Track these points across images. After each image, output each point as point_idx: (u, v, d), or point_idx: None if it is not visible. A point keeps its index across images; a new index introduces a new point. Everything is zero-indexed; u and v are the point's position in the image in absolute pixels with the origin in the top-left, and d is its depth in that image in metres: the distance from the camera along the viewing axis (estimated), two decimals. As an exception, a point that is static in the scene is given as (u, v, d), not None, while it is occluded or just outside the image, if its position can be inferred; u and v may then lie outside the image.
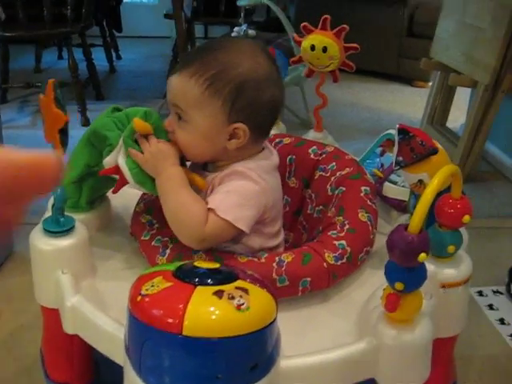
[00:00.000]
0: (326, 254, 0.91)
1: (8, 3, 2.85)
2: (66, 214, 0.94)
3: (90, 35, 3.52)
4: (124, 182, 0.96)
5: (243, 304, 0.67)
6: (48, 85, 0.86)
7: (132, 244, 1.03)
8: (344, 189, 1.05)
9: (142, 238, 0.98)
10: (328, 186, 1.09)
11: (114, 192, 1.01)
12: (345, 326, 0.87)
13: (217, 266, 0.75)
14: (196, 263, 0.75)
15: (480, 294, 1.82)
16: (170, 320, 0.66)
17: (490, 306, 1.77)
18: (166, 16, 3.55)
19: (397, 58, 4.07)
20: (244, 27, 2.98)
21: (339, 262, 0.91)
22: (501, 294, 1.83)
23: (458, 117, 3.04)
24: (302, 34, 1.27)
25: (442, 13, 2.79)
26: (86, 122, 3.00)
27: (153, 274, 0.74)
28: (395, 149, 0.93)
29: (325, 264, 0.90)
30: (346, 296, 0.94)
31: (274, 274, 0.87)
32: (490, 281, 1.88)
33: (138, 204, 1.06)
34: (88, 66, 3.38)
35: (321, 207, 1.10)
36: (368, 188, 1.05)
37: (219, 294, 0.68)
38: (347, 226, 0.96)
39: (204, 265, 0.74)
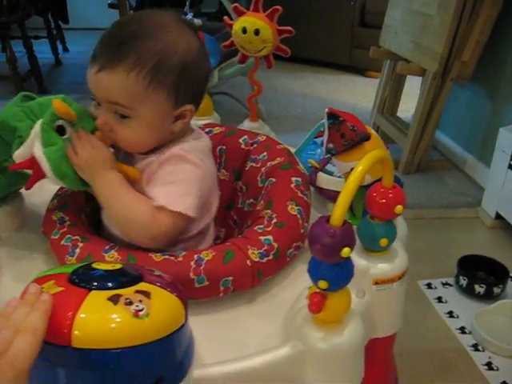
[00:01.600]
0: (250, 251, 0.83)
1: None
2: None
3: (34, 27, 3.40)
4: (38, 177, 0.87)
5: (142, 310, 0.59)
6: None
7: (46, 244, 0.94)
8: (274, 180, 0.98)
9: (52, 236, 0.89)
10: (258, 178, 1.02)
11: (28, 188, 0.91)
12: (271, 328, 0.79)
13: (118, 266, 0.67)
14: (94, 264, 0.66)
15: (429, 286, 1.78)
16: (58, 330, 0.58)
17: (439, 299, 1.73)
18: (111, 5, 3.44)
19: (349, 49, 4.04)
20: (189, 16, 2.89)
21: (265, 259, 0.84)
22: (450, 285, 1.79)
23: (410, 106, 3.00)
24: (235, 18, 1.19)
25: (390, 0, 2.75)
26: (26, 116, 2.87)
27: (46, 278, 0.65)
28: (325, 135, 0.87)
29: (248, 262, 0.82)
30: (274, 296, 0.86)
31: (191, 274, 0.79)
32: (439, 273, 1.85)
33: (51, 200, 0.97)
34: (29, 58, 3.25)
35: (251, 200, 1.03)
36: (299, 179, 0.98)
37: (114, 298, 0.59)
38: (275, 220, 0.89)
39: (103, 266, 0.66)
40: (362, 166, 0.67)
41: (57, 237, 0.88)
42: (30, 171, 0.87)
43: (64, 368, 0.60)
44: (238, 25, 1.17)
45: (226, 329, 0.80)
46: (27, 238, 0.99)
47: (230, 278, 0.81)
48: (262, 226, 0.88)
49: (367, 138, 0.85)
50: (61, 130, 0.85)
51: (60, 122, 0.85)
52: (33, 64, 3.28)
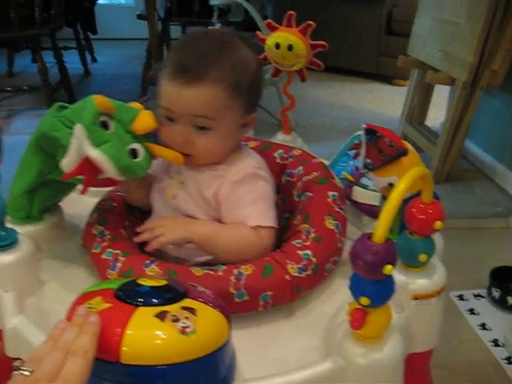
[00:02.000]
0: (289, 266, 0.84)
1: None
2: (11, 225, 0.87)
3: (64, 38, 3.45)
4: (91, 180, 0.87)
5: (189, 327, 0.60)
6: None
7: (86, 256, 0.96)
8: (310, 194, 0.98)
9: (93, 250, 0.91)
10: (294, 192, 1.03)
11: (83, 193, 0.91)
12: (310, 343, 0.80)
13: (163, 282, 0.68)
14: (140, 280, 0.68)
15: (461, 298, 1.77)
16: (107, 346, 0.59)
17: (471, 311, 1.71)
18: (139, 17, 3.48)
19: (376, 57, 4.03)
20: (218, 26, 2.92)
21: (304, 274, 0.85)
22: (482, 297, 1.77)
23: (437, 115, 2.99)
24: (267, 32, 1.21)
25: (418, 9, 2.74)
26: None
27: (92, 294, 0.67)
28: (363, 150, 0.87)
29: (287, 276, 0.83)
30: (313, 310, 0.87)
31: (231, 289, 0.80)
32: (471, 284, 1.83)
33: (91, 214, 0.99)
34: (59, 68, 3.29)
35: (287, 214, 1.03)
36: (336, 193, 0.98)
37: (162, 315, 0.61)
38: (313, 235, 0.90)
39: (148, 282, 0.67)
40: (403, 183, 0.67)
41: (98, 251, 0.90)
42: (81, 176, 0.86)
43: (110, 383, 0.61)
44: (271, 40, 1.18)
45: (265, 343, 0.81)
46: (68, 250, 1.00)
47: (270, 293, 0.82)
48: (300, 241, 0.89)
49: (405, 153, 0.85)
50: (104, 126, 0.86)
51: (103, 118, 0.86)
52: (63, 75, 3.32)
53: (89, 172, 0.84)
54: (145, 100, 3.28)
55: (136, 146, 0.89)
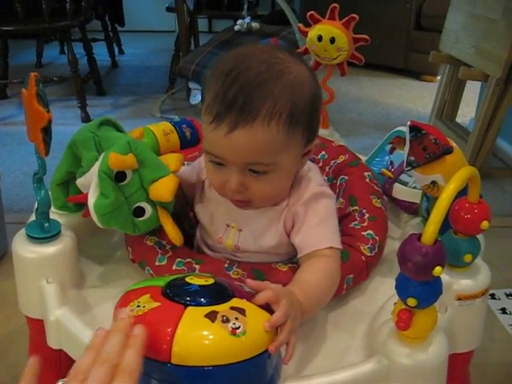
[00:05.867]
0: (362, 247, 0.89)
1: (7, -2, 2.77)
2: (52, 217, 0.88)
3: (91, 30, 3.45)
4: None
5: (239, 328, 0.60)
6: (30, 79, 0.78)
7: (122, 250, 0.97)
8: (347, 177, 1.02)
9: (157, 263, 0.85)
10: (324, 177, 1.05)
11: (84, 216, 0.90)
12: (351, 342, 0.80)
13: (211, 281, 0.67)
14: (188, 279, 0.67)
15: (492, 297, 1.75)
16: (157, 346, 0.59)
17: (503, 310, 1.69)
18: (168, 9, 3.48)
19: (404, 52, 3.98)
20: (247, 20, 2.91)
21: (373, 253, 0.90)
22: (514, 297, 1.75)
23: (466, 111, 2.96)
24: (309, 25, 1.20)
25: (451, 4, 2.70)
26: (86, 118, 2.94)
27: (140, 291, 0.67)
28: (406, 148, 0.86)
29: (363, 257, 0.88)
30: (353, 308, 0.87)
31: None
32: (502, 283, 1.81)
33: None
34: (89, 60, 3.30)
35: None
36: (370, 173, 1.03)
37: (212, 315, 0.60)
38: (367, 215, 0.94)
39: (196, 281, 0.67)
40: (454, 183, 0.66)
41: (164, 263, 0.84)
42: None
43: (160, 382, 0.61)
44: (313, 32, 1.17)
45: (305, 342, 0.80)
46: (105, 242, 1.02)
47: (351, 276, 0.85)
48: (356, 222, 0.93)
49: (450, 151, 0.84)
50: (120, 176, 0.82)
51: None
52: (92, 67, 3.33)
53: None
54: (172, 93, 3.29)
55: (145, 205, 0.84)
